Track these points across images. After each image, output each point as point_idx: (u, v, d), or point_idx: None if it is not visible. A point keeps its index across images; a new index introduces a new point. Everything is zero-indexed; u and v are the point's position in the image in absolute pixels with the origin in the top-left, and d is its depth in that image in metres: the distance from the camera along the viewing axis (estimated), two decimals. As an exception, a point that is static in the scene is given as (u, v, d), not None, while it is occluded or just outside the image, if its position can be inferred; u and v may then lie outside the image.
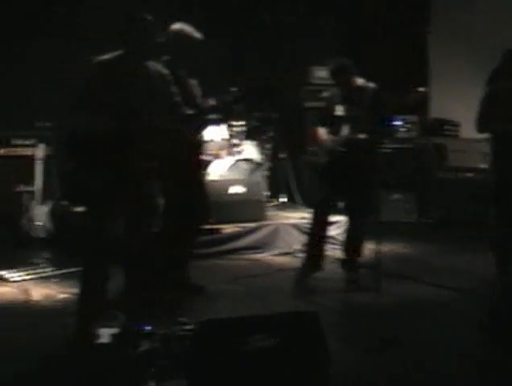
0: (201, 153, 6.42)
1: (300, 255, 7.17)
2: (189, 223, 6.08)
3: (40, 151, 8.56)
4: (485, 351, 4.77)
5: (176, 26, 5.90)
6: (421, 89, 5.52)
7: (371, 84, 6.47)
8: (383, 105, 6.34)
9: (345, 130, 6.42)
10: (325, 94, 7.00)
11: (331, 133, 6.55)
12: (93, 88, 4.82)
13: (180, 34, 5.85)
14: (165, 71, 5.04)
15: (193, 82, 5.98)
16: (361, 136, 6.34)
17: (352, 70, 6.44)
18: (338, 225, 7.79)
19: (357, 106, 6.38)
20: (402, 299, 6.07)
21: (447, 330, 5.27)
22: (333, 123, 6.54)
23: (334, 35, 10.64)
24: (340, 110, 6.49)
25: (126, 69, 4.83)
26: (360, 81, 6.48)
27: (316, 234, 6.67)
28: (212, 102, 5.82)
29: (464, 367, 4.50)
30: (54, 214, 8.69)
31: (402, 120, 10.09)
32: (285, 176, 9.53)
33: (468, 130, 9.52)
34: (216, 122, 6.60)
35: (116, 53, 4.89)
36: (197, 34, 5.89)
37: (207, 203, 6.33)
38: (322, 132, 6.62)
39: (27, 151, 8.72)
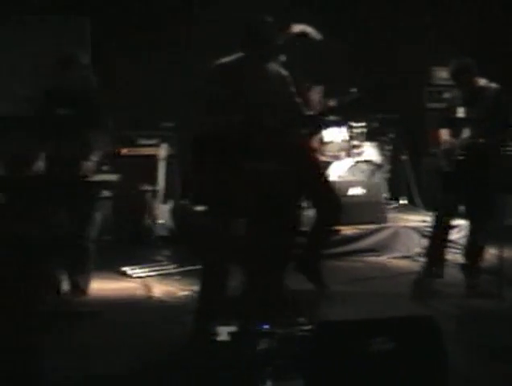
0: (320, 155, 6.41)
1: (420, 259, 7.07)
2: (319, 223, 6.05)
3: (163, 151, 8.75)
4: None
5: (298, 27, 5.88)
6: None
7: (493, 85, 6.30)
8: (506, 107, 6.16)
9: (467, 133, 6.28)
10: (447, 95, 6.86)
11: (452, 135, 6.43)
12: (213, 89, 4.88)
13: (302, 35, 5.82)
14: (285, 72, 5.06)
15: (313, 84, 5.96)
16: (483, 139, 6.18)
17: (474, 70, 6.27)
18: (459, 229, 7.64)
19: (478, 108, 6.23)
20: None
21: None
22: (454, 125, 6.41)
23: (458, 35, 10.41)
24: (461, 112, 6.35)
25: (247, 71, 4.87)
26: (482, 82, 6.31)
27: (437, 238, 6.56)
28: (331, 103, 5.79)
29: None
30: (175, 213, 8.87)
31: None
32: (405, 178, 9.41)
33: None
34: (337, 124, 6.55)
35: (236, 55, 4.94)
36: (318, 36, 5.85)
37: (337, 202, 6.23)
38: (443, 134, 6.50)
39: (151, 151, 8.93)
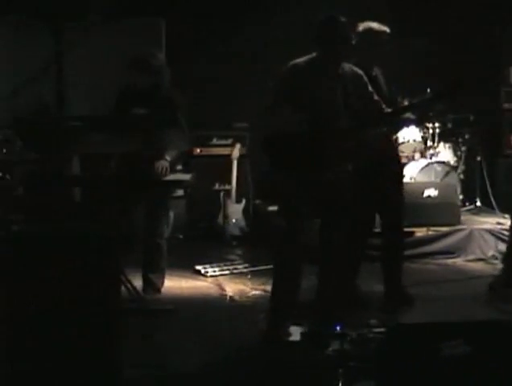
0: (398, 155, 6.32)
1: (495, 261, 6.96)
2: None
3: (236, 151, 8.80)
4: None
5: (363, 24, 5.78)
6: None
7: None
8: None
9: None
10: None
11: None
12: (286, 90, 4.88)
13: (369, 31, 5.72)
14: (360, 71, 5.03)
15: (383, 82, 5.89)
16: None
17: None
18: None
19: None
20: None
21: None
22: None
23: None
24: None
25: (321, 71, 4.85)
26: None
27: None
28: (408, 102, 5.72)
29: None
30: (248, 212, 8.92)
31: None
32: (480, 180, 9.25)
33: None
34: (413, 122, 6.43)
35: (311, 56, 4.93)
36: (385, 28, 5.73)
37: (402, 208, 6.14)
38: None
39: (224, 151, 9.00)
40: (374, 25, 5.74)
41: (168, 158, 5.59)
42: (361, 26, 5.76)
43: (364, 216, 5.79)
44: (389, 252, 5.97)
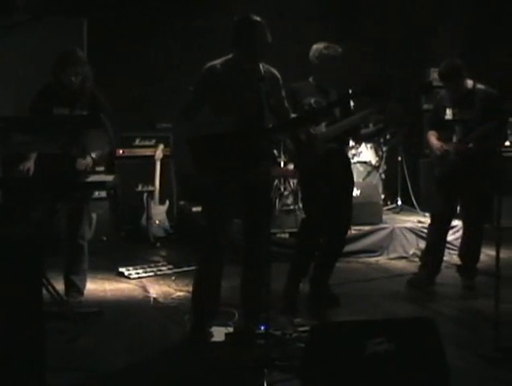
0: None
1: (417, 259, 7.08)
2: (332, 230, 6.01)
3: (160, 152, 8.76)
4: None
5: (313, 46, 5.82)
6: None
7: (483, 87, 6.28)
8: (497, 109, 6.14)
9: (458, 135, 6.27)
10: (436, 96, 6.84)
11: (441, 137, 6.42)
12: (204, 91, 4.88)
13: (326, 55, 5.76)
14: (277, 74, 5.05)
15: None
16: (475, 141, 6.17)
17: (463, 72, 6.23)
18: (456, 230, 7.66)
19: (468, 110, 6.22)
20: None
21: None
22: (443, 127, 6.39)
23: (456, 35, 10.44)
24: (450, 114, 6.33)
25: (239, 71, 4.85)
26: (470, 83, 6.30)
27: (434, 240, 6.58)
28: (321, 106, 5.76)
29: None
30: (172, 213, 8.89)
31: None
32: (401, 179, 9.40)
33: None
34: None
35: (227, 57, 4.93)
36: (332, 50, 5.80)
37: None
38: (431, 135, 6.49)
39: (148, 152, 8.95)
40: (322, 45, 5.77)
41: (91, 158, 5.52)
42: (312, 47, 5.80)
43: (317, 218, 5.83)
44: (328, 253, 6.01)
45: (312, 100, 5.66)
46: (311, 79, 5.82)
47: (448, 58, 6.41)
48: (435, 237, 6.57)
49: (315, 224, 5.77)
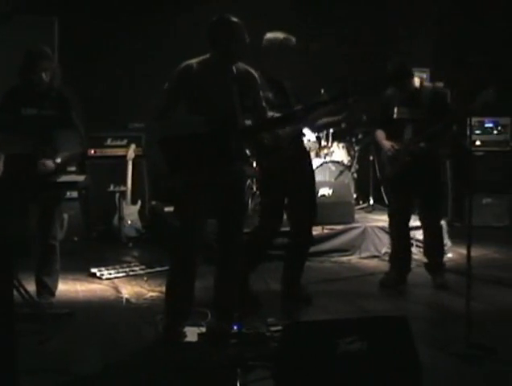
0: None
1: (388, 258, 7.11)
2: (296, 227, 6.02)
3: (131, 152, 8.73)
4: None
5: (272, 34, 5.80)
6: (489, 91, 5.33)
7: (430, 85, 6.32)
8: (444, 106, 6.17)
9: (408, 134, 6.29)
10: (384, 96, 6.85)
11: (390, 136, 6.44)
12: (180, 91, 4.86)
13: (279, 42, 5.75)
14: (254, 73, 5.04)
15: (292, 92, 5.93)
16: (425, 140, 6.20)
17: (409, 74, 6.27)
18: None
19: (416, 109, 6.25)
20: (493, 305, 5.97)
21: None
22: (392, 125, 6.42)
23: (426, 35, 10.53)
24: (398, 112, 6.36)
25: (216, 71, 4.85)
26: (417, 82, 6.33)
27: (398, 240, 6.62)
28: (298, 106, 5.76)
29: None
30: (144, 213, 8.86)
31: (495, 123, 9.90)
32: (373, 178, 9.44)
33: None
34: (305, 126, 6.43)
35: (204, 56, 4.92)
36: (292, 38, 5.79)
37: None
38: (380, 134, 6.52)
39: (120, 152, 8.92)
40: (282, 35, 5.76)
41: (58, 159, 5.47)
42: (270, 37, 5.78)
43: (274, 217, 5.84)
44: (295, 252, 6.03)
45: (270, 95, 5.61)
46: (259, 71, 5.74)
47: (395, 58, 6.45)
48: (398, 237, 6.61)
49: (266, 231, 5.82)
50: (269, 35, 5.79)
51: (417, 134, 6.23)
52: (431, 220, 6.55)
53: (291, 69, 5.81)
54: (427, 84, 6.30)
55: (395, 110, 6.36)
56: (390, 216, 6.71)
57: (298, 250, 6.04)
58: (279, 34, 5.76)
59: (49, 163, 5.42)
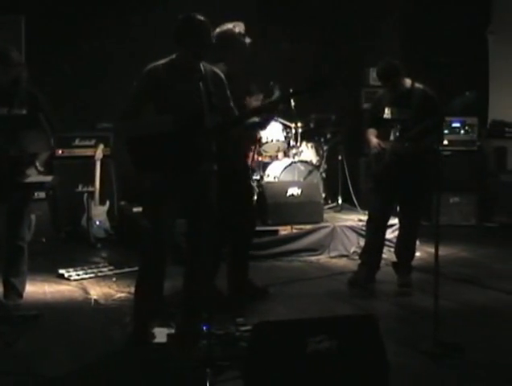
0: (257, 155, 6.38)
1: (357, 257, 7.14)
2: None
3: (100, 152, 8.68)
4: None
5: (224, 27, 5.79)
6: (468, 93, 5.38)
7: (421, 86, 6.36)
8: (433, 108, 6.21)
9: (395, 134, 6.34)
10: (375, 95, 6.91)
11: (380, 136, 6.49)
12: (147, 91, 4.84)
13: (229, 33, 5.75)
14: (220, 73, 5.03)
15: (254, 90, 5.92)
16: (412, 140, 6.24)
17: (399, 73, 6.31)
18: (395, 228, 7.74)
19: (406, 109, 6.29)
20: (460, 303, 6.02)
21: (507, 335, 5.20)
22: (382, 125, 6.46)
23: (393, 35, 10.59)
24: (388, 112, 6.40)
25: (183, 71, 4.83)
26: (409, 82, 6.38)
27: (372, 238, 6.65)
28: (255, 104, 5.75)
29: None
30: (113, 214, 8.82)
31: (462, 122, 9.99)
32: (342, 178, 9.48)
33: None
34: (264, 122, 6.39)
35: (171, 56, 4.90)
36: (241, 28, 5.78)
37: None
38: (370, 133, 6.56)
39: (88, 152, 8.87)
40: (230, 24, 5.76)
41: (29, 159, 5.43)
42: (221, 28, 5.77)
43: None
44: (235, 253, 6.03)
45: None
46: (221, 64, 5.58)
47: (385, 58, 6.48)
48: (373, 235, 6.64)
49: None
50: (227, 28, 5.77)
51: (403, 134, 6.26)
52: (410, 222, 6.58)
53: (249, 56, 5.80)
54: (418, 85, 6.32)
55: (386, 110, 6.40)
56: (369, 215, 6.74)
57: (239, 250, 6.05)
58: (234, 27, 5.75)
59: (33, 172, 5.39)
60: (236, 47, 5.74)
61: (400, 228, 6.76)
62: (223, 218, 5.60)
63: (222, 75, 5.02)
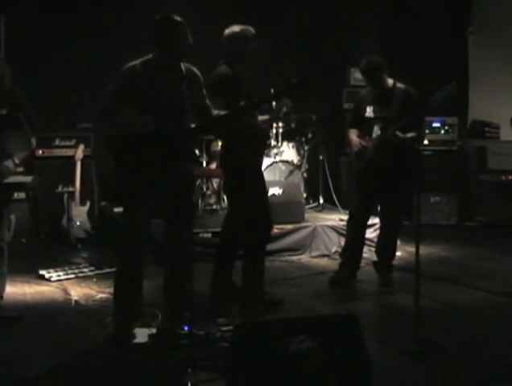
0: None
1: (338, 257, 7.15)
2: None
3: (80, 152, 8.65)
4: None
5: (233, 29, 5.76)
6: (451, 85, 5.38)
7: (402, 85, 6.39)
8: (415, 106, 6.23)
9: (376, 132, 6.36)
10: (357, 94, 6.93)
11: (362, 135, 6.50)
12: (124, 92, 4.83)
13: (235, 37, 5.73)
14: (198, 72, 5.03)
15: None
16: (393, 139, 6.26)
17: (383, 70, 6.33)
18: (376, 227, 7.76)
19: (387, 107, 6.31)
20: (441, 302, 6.04)
21: (487, 333, 5.22)
22: (364, 124, 6.48)
23: (374, 35, 10.62)
24: (370, 111, 6.42)
25: (160, 71, 4.83)
26: (391, 82, 6.40)
27: (352, 237, 6.67)
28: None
29: (507, 373, 4.43)
30: (93, 214, 8.78)
31: (442, 122, 10.03)
32: (323, 178, 9.50)
33: (508, 132, 9.51)
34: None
35: (148, 56, 4.90)
36: (250, 32, 5.77)
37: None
38: (352, 133, 6.58)
39: (68, 152, 8.83)
40: (239, 28, 5.73)
41: (17, 160, 5.39)
42: (230, 31, 5.74)
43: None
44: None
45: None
46: (225, 66, 5.68)
47: (369, 54, 6.49)
48: (354, 234, 6.66)
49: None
50: (237, 30, 5.74)
51: (385, 133, 6.28)
52: (391, 221, 6.60)
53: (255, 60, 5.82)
54: (400, 84, 6.34)
55: (368, 109, 6.41)
56: (350, 213, 6.75)
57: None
58: (246, 31, 5.73)
59: (10, 164, 5.34)
60: (244, 50, 5.73)
61: (381, 228, 6.79)
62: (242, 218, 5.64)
63: (199, 74, 5.02)
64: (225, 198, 7.93)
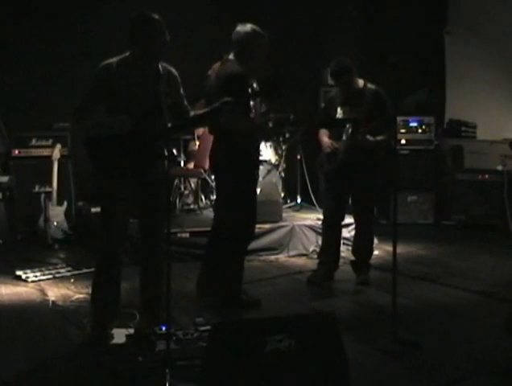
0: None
1: (316, 256, 7.17)
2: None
3: (57, 152, 8.60)
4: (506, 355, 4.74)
5: (243, 28, 5.71)
6: (424, 91, 5.41)
7: (372, 86, 6.41)
8: (384, 107, 6.25)
9: (347, 133, 6.38)
10: (327, 95, 6.94)
11: (333, 136, 6.52)
12: (100, 90, 4.80)
13: (246, 35, 5.69)
14: (175, 72, 5.01)
15: None
16: (363, 139, 6.28)
17: (351, 71, 6.34)
18: (353, 227, 7.78)
19: (357, 108, 6.33)
20: (418, 301, 6.07)
21: (464, 332, 5.25)
22: (334, 125, 6.49)
23: (351, 35, 10.65)
24: (340, 112, 6.43)
25: (136, 69, 4.80)
26: (361, 82, 6.42)
27: (328, 237, 6.68)
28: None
29: (484, 371, 4.46)
30: (70, 214, 8.75)
31: (419, 121, 10.08)
32: (301, 177, 9.51)
33: (484, 132, 9.58)
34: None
35: (124, 55, 4.87)
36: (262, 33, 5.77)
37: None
38: (323, 134, 6.59)
39: (45, 152, 8.78)
40: (249, 26, 5.69)
41: None
42: (241, 29, 5.70)
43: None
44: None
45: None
46: (236, 65, 5.64)
47: (337, 57, 6.50)
48: (329, 234, 6.68)
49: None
50: (236, 30, 5.70)
51: (356, 133, 6.29)
52: (364, 220, 6.63)
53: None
54: (370, 85, 6.36)
55: (338, 110, 6.42)
56: (324, 214, 6.76)
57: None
58: (246, 26, 5.70)
59: None
60: (255, 48, 5.70)
61: (356, 227, 6.83)
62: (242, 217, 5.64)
63: (176, 74, 5.00)
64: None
